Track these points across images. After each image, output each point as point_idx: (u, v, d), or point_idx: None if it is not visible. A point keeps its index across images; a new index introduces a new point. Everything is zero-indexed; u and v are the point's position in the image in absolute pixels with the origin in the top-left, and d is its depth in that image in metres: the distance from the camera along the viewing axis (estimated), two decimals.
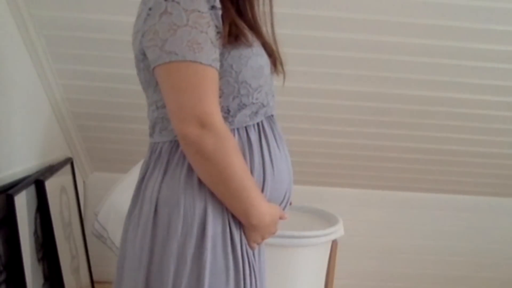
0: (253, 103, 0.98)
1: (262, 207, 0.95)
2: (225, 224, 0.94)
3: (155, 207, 0.94)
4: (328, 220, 1.94)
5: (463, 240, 2.54)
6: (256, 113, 0.99)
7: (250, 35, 0.96)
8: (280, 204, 1.04)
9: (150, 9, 0.88)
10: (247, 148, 0.96)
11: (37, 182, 1.63)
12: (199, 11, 0.87)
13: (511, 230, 2.55)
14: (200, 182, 0.92)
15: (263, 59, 0.99)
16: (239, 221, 0.96)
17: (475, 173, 2.34)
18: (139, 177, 1.01)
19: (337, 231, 1.82)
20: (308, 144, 2.18)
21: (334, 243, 1.96)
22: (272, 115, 1.04)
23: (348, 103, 2.00)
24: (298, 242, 1.70)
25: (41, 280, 1.60)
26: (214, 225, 0.92)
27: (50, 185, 1.69)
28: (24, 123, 1.71)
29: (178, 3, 0.86)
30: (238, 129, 0.96)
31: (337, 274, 2.06)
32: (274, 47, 1.06)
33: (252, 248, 0.99)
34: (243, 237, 0.97)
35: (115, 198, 1.71)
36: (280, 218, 1.03)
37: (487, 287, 2.61)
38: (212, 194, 0.93)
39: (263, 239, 1.01)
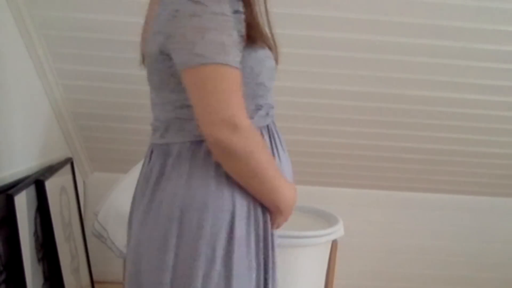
0: (267, 104, 1.02)
1: (288, 192, 1.00)
2: (250, 225, 0.96)
3: (181, 209, 0.93)
4: (328, 220, 1.94)
5: (463, 240, 2.54)
6: (267, 114, 1.02)
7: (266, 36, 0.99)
8: None
9: (176, 10, 0.88)
10: None
11: (37, 182, 1.63)
12: (225, 15, 0.88)
13: (511, 230, 2.55)
14: (227, 183, 0.94)
15: (273, 61, 1.02)
16: (262, 220, 0.99)
17: (475, 173, 2.34)
18: (152, 179, 0.99)
19: (337, 231, 1.81)
20: (308, 144, 2.18)
21: (334, 243, 1.96)
22: (273, 119, 1.07)
23: (348, 103, 2.00)
24: (298, 242, 1.70)
25: (41, 280, 1.60)
26: (241, 226, 0.94)
27: (50, 185, 1.69)
28: (24, 123, 1.71)
29: (206, 6, 0.86)
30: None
31: (337, 274, 2.06)
32: (274, 47, 1.07)
33: (274, 229, 1.03)
34: (267, 236, 0.99)
35: (115, 198, 1.71)
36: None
37: (487, 287, 2.61)
38: (239, 195, 0.95)
39: (285, 220, 1.05)
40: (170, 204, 0.94)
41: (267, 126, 1.02)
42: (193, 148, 0.96)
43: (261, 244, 0.98)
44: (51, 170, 1.80)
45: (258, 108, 0.99)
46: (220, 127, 0.87)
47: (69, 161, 2.05)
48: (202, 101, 0.88)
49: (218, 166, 0.94)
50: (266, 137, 1.01)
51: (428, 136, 2.14)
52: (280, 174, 0.99)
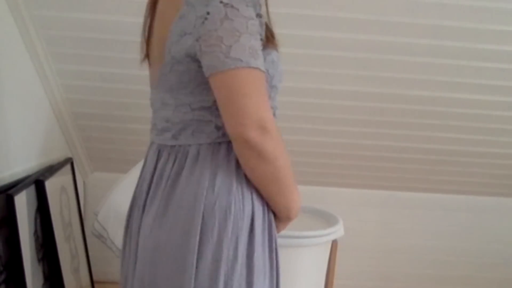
0: (275, 107, 1.04)
1: (298, 198, 1.02)
2: (265, 225, 0.98)
3: (203, 211, 0.93)
4: (328, 220, 1.94)
5: (463, 240, 2.54)
6: (274, 116, 1.03)
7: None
8: None
9: (208, 13, 0.88)
10: None
11: (37, 182, 1.63)
12: (253, 18, 0.90)
13: (511, 230, 2.55)
14: (247, 185, 0.96)
15: (281, 64, 1.04)
16: (273, 222, 1.01)
17: (475, 173, 2.34)
18: (166, 181, 0.98)
19: (337, 231, 1.82)
20: (308, 144, 2.18)
21: (334, 243, 1.96)
22: None
23: (348, 103, 2.00)
24: (298, 242, 1.70)
25: (41, 280, 1.60)
26: (259, 228, 0.97)
27: (50, 185, 1.69)
28: (24, 123, 1.71)
29: (237, 9, 0.88)
30: None
31: (337, 274, 2.06)
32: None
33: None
34: (276, 239, 1.01)
35: (115, 198, 1.71)
36: None
37: (487, 287, 2.61)
38: (257, 197, 0.97)
39: (285, 227, 1.09)
40: (192, 206, 0.93)
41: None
42: (212, 150, 0.96)
43: (274, 245, 1.01)
44: (51, 170, 1.79)
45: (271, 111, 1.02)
46: (251, 128, 0.88)
47: (69, 161, 2.05)
48: (234, 104, 0.89)
49: (238, 168, 0.96)
50: None
51: (428, 136, 2.14)
52: (295, 183, 1.00)
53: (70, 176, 2.04)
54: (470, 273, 2.59)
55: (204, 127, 0.96)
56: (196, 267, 0.92)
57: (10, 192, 1.42)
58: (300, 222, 1.96)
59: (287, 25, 1.67)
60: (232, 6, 0.87)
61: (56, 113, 1.99)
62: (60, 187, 1.87)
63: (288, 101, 1.94)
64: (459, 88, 1.92)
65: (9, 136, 1.58)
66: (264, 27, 0.94)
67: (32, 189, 1.60)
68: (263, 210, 0.99)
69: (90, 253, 2.14)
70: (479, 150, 2.20)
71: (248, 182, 0.96)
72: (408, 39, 1.75)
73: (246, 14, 0.88)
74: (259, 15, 0.92)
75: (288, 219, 1.04)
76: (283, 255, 1.73)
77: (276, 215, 1.02)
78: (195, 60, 0.92)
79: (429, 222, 2.52)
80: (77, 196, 2.08)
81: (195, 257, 0.91)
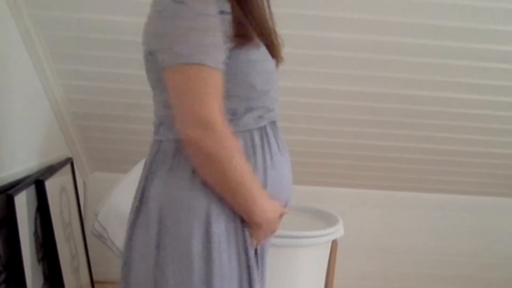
0: (260, 107, 1.00)
1: (264, 205, 0.96)
2: (229, 224, 0.96)
3: (160, 208, 0.95)
4: (328, 220, 1.94)
5: (463, 240, 2.54)
6: (261, 117, 1.00)
7: (256, 36, 0.98)
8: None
9: (160, 11, 0.89)
10: (251, 151, 0.98)
11: (37, 182, 1.63)
12: (209, 15, 0.88)
13: (511, 230, 2.55)
14: (203, 185, 0.94)
15: (271, 64, 1.02)
16: (243, 220, 0.97)
17: (475, 173, 2.34)
18: (142, 176, 1.02)
19: (337, 231, 1.82)
20: (308, 144, 2.18)
21: (334, 243, 1.96)
22: (275, 121, 1.05)
23: (348, 103, 2.00)
24: (298, 242, 1.70)
25: (41, 280, 1.60)
26: (218, 225, 0.94)
27: (50, 185, 1.69)
28: (24, 123, 1.71)
29: (189, 6, 0.87)
30: (243, 131, 0.98)
31: (337, 274, 2.06)
32: (277, 48, 1.07)
33: (254, 246, 1.00)
34: (247, 237, 0.98)
35: (115, 198, 1.71)
36: (281, 214, 1.04)
37: (487, 287, 2.61)
38: (215, 199, 0.94)
39: (265, 237, 1.02)
40: (153, 203, 0.96)
41: (263, 127, 1.01)
42: (175, 147, 0.97)
43: (244, 252, 0.97)
44: (51, 170, 1.79)
45: (248, 110, 0.98)
46: (193, 126, 0.88)
47: (69, 161, 2.05)
48: (178, 100, 0.89)
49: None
50: (258, 138, 1.00)
51: (428, 136, 2.14)
52: (258, 186, 0.96)
53: (70, 176, 2.04)
54: (470, 273, 2.59)
55: (174, 124, 0.96)
56: (156, 264, 0.94)
57: (10, 192, 1.42)
58: (300, 222, 1.96)
59: (287, 25, 1.67)
60: (182, 3, 0.87)
61: (56, 113, 1.99)
62: (60, 187, 1.87)
63: (288, 101, 1.94)
64: (459, 88, 1.92)
65: (9, 136, 1.58)
66: (233, 24, 0.91)
67: (32, 189, 1.60)
68: (224, 212, 0.95)
69: (90, 253, 2.14)
70: (479, 150, 2.20)
71: (205, 182, 0.94)
72: (408, 39, 1.75)
73: (200, 10, 0.87)
74: (223, 12, 0.90)
75: (255, 224, 0.97)
76: (283, 255, 1.73)
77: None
78: (155, 57, 0.93)
79: (429, 222, 2.52)
80: (77, 196, 2.08)
81: (155, 254, 0.94)
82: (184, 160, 0.95)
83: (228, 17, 0.91)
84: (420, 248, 2.56)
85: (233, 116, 0.97)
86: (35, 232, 1.59)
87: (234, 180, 0.92)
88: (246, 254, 0.97)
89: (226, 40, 0.91)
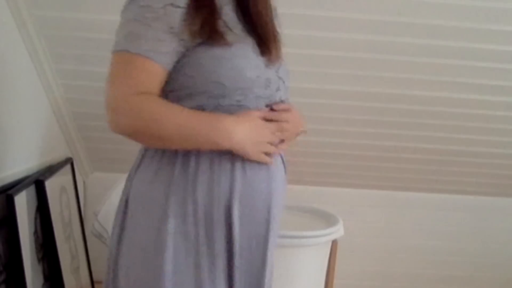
0: (232, 106, 0.96)
1: (223, 125, 0.93)
2: (186, 220, 0.94)
3: (126, 200, 1.00)
4: (328, 220, 1.94)
5: (463, 240, 2.54)
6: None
7: (233, 35, 0.95)
8: (261, 222, 0.99)
9: (122, 10, 0.96)
10: (216, 153, 0.95)
11: (37, 182, 1.63)
12: (150, 6, 0.91)
13: (511, 230, 2.54)
14: (165, 177, 0.95)
15: (247, 61, 0.96)
16: (201, 217, 0.95)
17: (475, 173, 2.34)
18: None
19: (337, 231, 1.82)
20: (308, 144, 2.18)
21: (334, 243, 1.96)
22: None
23: (348, 103, 1.99)
24: (298, 242, 1.70)
25: (41, 280, 1.60)
26: (176, 220, 0.94)
27: (50, 185, 1.69)
28: (24, 123, 1.71)
29: (135, 1, 0.93)
30: None
31: (337, 274, 2.06)
32: (275, 44, 1.03)
33: (267, 162, 0.97)
34: (200, 236, 0.95)
35: (115, 198, 1.71)
36: (265, 118, 0.99)
37: (487, 287, 2.61)
38: (175, 190, 0.94)
39: (266, 149, 0.97)
40: (123, 196, 1.03)
41: None
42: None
43: (203, 240, 0.95)
44: (51, 170, 1.79)
45: (217, 108, 0.95)
46: (107, 111, 0.92)
47: (69, 161, 2.05)
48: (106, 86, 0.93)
49: (162, 159, 0.97)
50: None
51: (428, 136, 2.14)
52: (204, 115, 0.93)
53: (70, 176, 2.04)
54: (470, 273, 2.59)
55: None
56: (118, 255, 0.98)
57: (10, 192, 1.42)
58: (300, 222, 1.96)
59: (287, 25, 1.67)
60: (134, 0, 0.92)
61: (56, 113, 1.99)
62: (60, 187, 1.87)
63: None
64: (459, 88, 1.92)
65: (9, 136, 1.58)
66: (179, 16, 0.90)
67: (32, 189, 1.60)
68: (184, 205, 0.93)
69: (90, 253, 2.14)
70: (479, 150, 2.20)
71: (164, 174, 0.95)
72: (408, 39, 1.75)
73: (143, 3, 0.91)
74: (172, 5, 0.91)
75: (234, 150, 0.93)
76: (283, 255, 1.73)
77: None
78: None
79: (429, 222, 2.52)
80: (77, 196, 2.08)
81: (116, 245, 0.98)
82: (149, 158, 0.99)
83: (179, 10, 0.91)
84: (420, 248, 2.56)
85: None
86: (35, 232, 1.59)
87: (175, 133, 0.91)
88: (197, 251, 0.95)
89: (177, 32, 0.91)
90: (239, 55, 0.95)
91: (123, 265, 0.97)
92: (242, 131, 0.94)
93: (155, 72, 0.92)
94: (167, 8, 0.90)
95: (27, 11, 1.63)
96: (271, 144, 0.99)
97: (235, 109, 0.96)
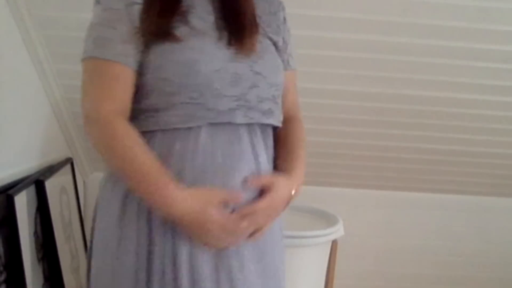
0: (187, 103, 0.88)
1: (174, 194, 0.85)
2: (141, 227, 0.91)
3: (96, 202, 1.03)
4: (328, 220, 1.94)
5: (463, 240, 2.54)
6: (192, 115, 0.89)
7: (189, 29, 0.91)
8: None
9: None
10: (165, 155, 0.90)
11: (37, 182, 1.63)
12: (112, 8, 0.90)
13: (511, 230, 2.54)
14: (120, 191, 0.94)
15: (201, 55, 0.89)
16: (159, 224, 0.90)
17: (475, 173, 2.34)
18: None
19: (337, 231, 1.82)
20: (308, 144, 2.16)
21: (334, 243, 1.96)
22: (222, 124, 0.91)
23: (348, 103, 1.99)
24: (298, 242, 1.70)
25: (41, 280, 1.60)
26: (130, 224, 0.92)
27: (50, 185, 1.69)
28: (24, 123, 1.71)
29: (100, 3, 0.93)
30: (163, 130, 0.91)
31: (337, 274, 2.06)
32: (250, 35, 0.96)
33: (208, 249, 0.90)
34: (155, 243, 0.91)
35: None
36: (228, 201, 0.89)
37: (487, 287, 2.61)
38: (131, 195, 0.93)
39: (214, 241, 0.88)
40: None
41: (194, 128, 0.90)
42: None
43: (152, 252, 0.90)
44: (51, 170, 1.79)
45: (170, 106, 0.89)
46: (84, 119, 0.91)
47: (69, 161, 2.05)
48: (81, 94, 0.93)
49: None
50: (182, 142, 0.89)
51: (428, 136, 2.14)
52: (163, 175, 0.86)
53: (70, 176, 2.04)
54: (470, 273, 2.59)
55: None
56: (89, 256, 1.03)
57: (10, 192, 1.42)
58: (300, 222, 1.96)
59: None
60: (98, 2, 0.94)
61: (56, 113, 1.98)
62: (60, 187, 1.87)
63: None
64: (459, 88, 1.92)
65: (9, 136, 1.58)
66: (145, 16, 0.89)
67: (32, 189, 1.60)
68: (139, 210, 0.91)
69: None
70: (479, 150, 2.20)
71: (125, 189, 0.94)
72: (408, 39, 1.75)
73: (107, 6, 0.91)
74: (133, 3, 0.90)
75: (177, 220, 0.86)
76: None
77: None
78: None
79: (429, 222, 2.52)
80: (77, 196, 2.08)
81: (90, 240, 1.03)
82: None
83: (137, 7, 0.90)
84: (420, 248, 2.56)
85: (153, 112, 0.90)
86: (35, 232, 1.59)
87: (132, 169, 0.86)
88: (149, 261, 0.90)
89: (135, 31, 0.90)
90: (192, 48, 0.89)
91: (91, 268, 1.03)
92: (195, 208, 0.86)
93: (125, 76, 0.90)
94: (128, 7, 0.90)
95: (27, 11, 1.63)
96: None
97: (192, 108, 0.89)
